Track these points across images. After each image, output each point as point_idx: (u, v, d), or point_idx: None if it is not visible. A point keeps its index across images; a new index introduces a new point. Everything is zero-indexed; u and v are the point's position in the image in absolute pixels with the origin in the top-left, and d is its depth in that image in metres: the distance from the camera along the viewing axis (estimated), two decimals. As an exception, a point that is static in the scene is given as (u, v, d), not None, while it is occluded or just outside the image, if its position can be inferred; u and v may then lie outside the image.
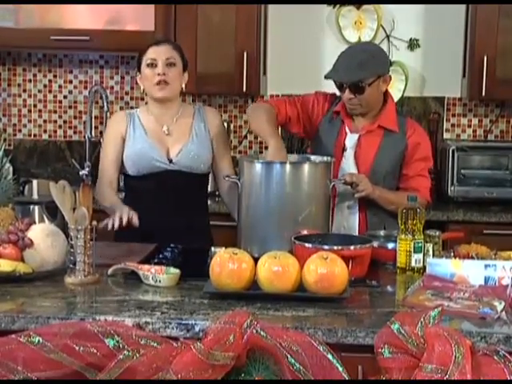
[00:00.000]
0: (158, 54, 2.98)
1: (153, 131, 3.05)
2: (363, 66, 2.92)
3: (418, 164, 3.05)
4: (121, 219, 2.74)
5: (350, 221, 3.04)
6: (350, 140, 3.05)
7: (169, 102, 3.05)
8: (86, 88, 4.64)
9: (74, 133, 4.69)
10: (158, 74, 2.96)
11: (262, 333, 1.82)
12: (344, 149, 3.05)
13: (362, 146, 3.03)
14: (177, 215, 3.00)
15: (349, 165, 3.02)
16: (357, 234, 2.99)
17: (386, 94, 3.07)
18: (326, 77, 2.99)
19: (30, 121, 4.70)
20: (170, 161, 3.02)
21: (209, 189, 3.35)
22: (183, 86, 3.07)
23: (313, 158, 2.96)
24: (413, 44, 4.41)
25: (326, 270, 2.16)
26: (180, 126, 3.07)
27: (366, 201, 2.97)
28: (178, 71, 3.01)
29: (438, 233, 2.61)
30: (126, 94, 4.65)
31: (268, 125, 2.92)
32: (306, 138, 3.31)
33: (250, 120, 3.14)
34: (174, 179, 3.01)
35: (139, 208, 3.01)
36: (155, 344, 1.86)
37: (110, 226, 2.74)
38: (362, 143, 3.04)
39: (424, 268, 2.47)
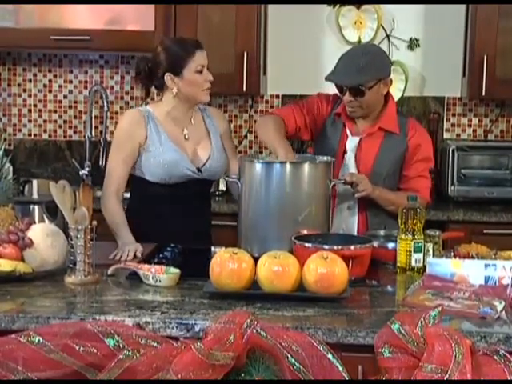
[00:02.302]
0: (205, 60, 2.93)
1: (174, 136, 2.97)
2: (364, 70, 2.91)
3: (419, 165, 3.06)
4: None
5: (349, 222, 3.03)
6: (351, 143, 3.05)
7: (198, 104, 3.04)
8: (86, 88, 4.65)
9: (74, 133, 4.69)
10: (209, 81, 2.92)
11: (262, 333, 1.82)
12: (345, 152, 3.05)
13: (363, 148, 3.03)
14: (192, 221, 2.99)
15: (349, 168, 3.02)
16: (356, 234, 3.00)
17: (387, 95, 3.07)
18: (327, 79, 2.99)
19: (30, 120, 4.70)
20: (198, 169, 2.98)
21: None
22: None
23: (313, 157, 2.96)
24: (413, 44, 4.41)
25: (326, 269, 2.16)
26: (196, 130, 3.03)
27: (365, 202, 2.97)
28: None
29: (438, 232, 2.61)
30: (126, 93, 4.65)
31: (276, 135, 2.90)
32: (313, 140, 3.29)
33: (258, 132, 3.12)
34: (198, 187, 2.99)
35: (151, 212, 2.98)
36: (155, 344, 1.86)
37: (117, 258, 2.66)
38: (362, 146, 3.04)
39: (424, 268, 2.47)
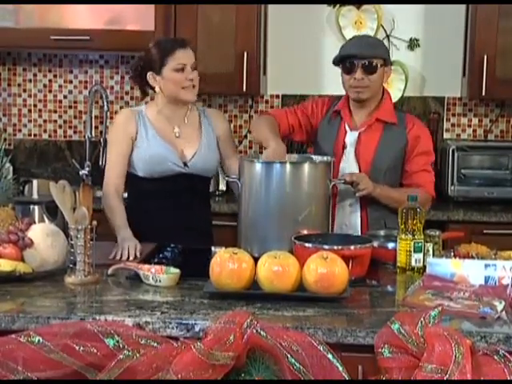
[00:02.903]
0: (187, 58, 2.95)
1: (164, 133, 3.02)
2: (375, 45, 3.06)
3: (420, 159, 3.06)
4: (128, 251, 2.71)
5: (351, 219, 3.04)
6: (350, 137, 3.07)
7: (188, 104, 3.04)
8: (86, 88, 4.65)
9: (74, 133, 4.69)
10: (190, 80, 2.94)
11: (262, 333, 1.82)
12: (344, 146, 3.05)
13: (362, 142, 3.04)
14: (183, 216, 3.00)
15: (349, 162, 3.03)
16: (358, 232, 3.00)
17: (383, 90, 3.10)
18: (340, 55, 3.01)
19: (30, 121, 4.70)
20: (185, 164, 3.00)
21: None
22: None
23: (313, 157, 2.97)
24: (413, 44, 4.41)
25: (326, 269, 2.16)
26: (189, 128, 3.05)
27: (367, 198, 2.97)
28: (197, 74, 3.00)
29: (438, 232, 2.61)
30: (126, 93, 4.65)
31: (268, 129, 2.93)
32: (309, 142, 3.30)
33: (252, 130, 3.16)
34: (187, 182, 3.00)
35: (144, 208, 3.01)
36: (155, 344, 1.86)
37: (117, 257, 2.68)
38: (362, 140, 3.05)
39: (424, 268, 2.47)
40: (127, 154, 2.99)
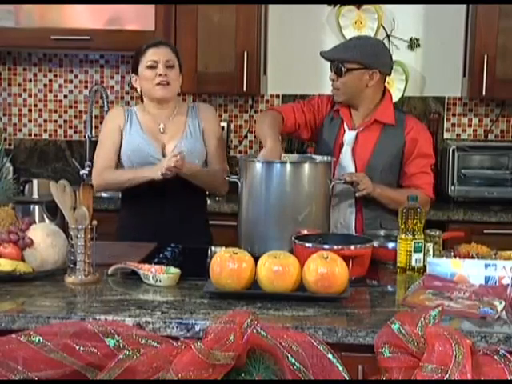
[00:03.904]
0: (158, 55, 3.02)
1: (149, 128, 3.08)
2: (349, 49, 3.01)
3: (419, 161, 3.06)
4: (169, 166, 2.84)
5: (346, 218, 3.04)
6: (348, 137, 3.07)
7: (167, 101, 3.08)
8: (86, 87, 4.65)
9: (75, 132, 4.69)
10: (160, 75, 3.00)
11: (262, 332, 1.82)
12: (342, 145, 3.06)
13: (360, 141, 3.05)
14: (174, 212, 3.01)
15: (346, 161, 3.04)
16: (353, 230, 3.01)
17: (384, 91, 3.10)
18: (320, 53, 3.11)
19: (30, 120, 4.71)
20: (164, 157, 3.02)
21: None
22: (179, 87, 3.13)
23: (313, 157, 2.97)
24: (413, 44, 4.41)
25: (326, 269, 2.16)
26: (175, 124, 3.10)
27: (363, 198, 2.96)
28: (176, 73, 3.07)
29: (438, 232, 2.61)
30: (127, 93, 4.65)
31: (268, 128, 2.93)
32: (314, 140, 3.29)
33: (256, 126, 3.18)
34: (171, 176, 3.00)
35: (137, 205, 3.04)
36: (155, 344, 1.86)
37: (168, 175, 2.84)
38: (359, 139, 3.05)
39: (424, 268, 2.47)
40: (115, 145, 3.07)
